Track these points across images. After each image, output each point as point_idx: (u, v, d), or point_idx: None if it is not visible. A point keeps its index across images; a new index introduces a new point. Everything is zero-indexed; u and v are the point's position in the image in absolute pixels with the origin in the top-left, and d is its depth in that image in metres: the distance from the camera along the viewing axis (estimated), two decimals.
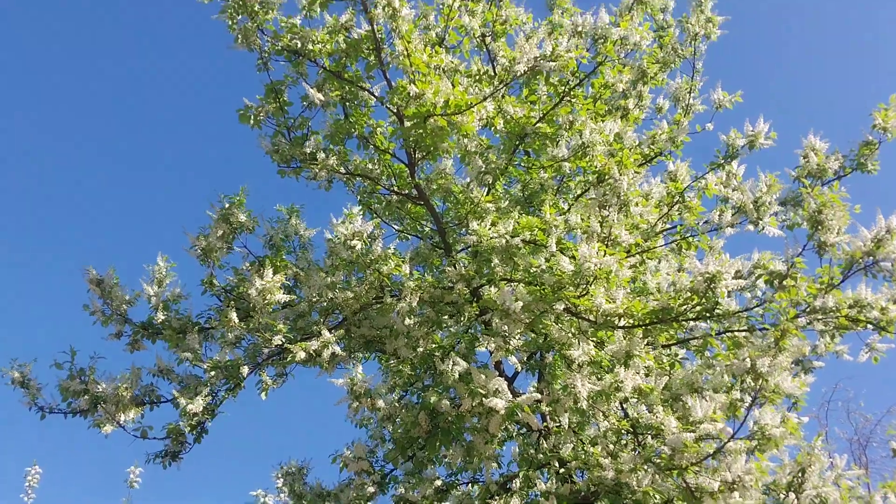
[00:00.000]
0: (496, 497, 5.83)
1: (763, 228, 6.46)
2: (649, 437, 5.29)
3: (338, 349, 5.66)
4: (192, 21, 19.99)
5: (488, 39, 7.25)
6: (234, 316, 5.75)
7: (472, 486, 6.59)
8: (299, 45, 6.21)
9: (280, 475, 6.76)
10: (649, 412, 5.23)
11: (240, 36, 6.10)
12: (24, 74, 19.20)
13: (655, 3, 7.34)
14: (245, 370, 5.79)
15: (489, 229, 6.10)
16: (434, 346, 6.36)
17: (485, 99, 5.92)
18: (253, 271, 6.53)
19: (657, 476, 5.05)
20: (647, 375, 5.44)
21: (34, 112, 19.20)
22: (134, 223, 19.66)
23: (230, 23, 6.04)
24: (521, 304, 5.49)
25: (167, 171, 19.94)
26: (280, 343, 5.78)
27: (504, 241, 6.09)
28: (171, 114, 19.97)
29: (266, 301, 5.56)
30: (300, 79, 6.45)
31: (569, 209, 7.02)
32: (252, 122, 6.41)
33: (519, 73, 5.74)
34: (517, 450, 6.29)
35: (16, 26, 18.93)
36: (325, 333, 5.68)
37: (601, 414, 5.93)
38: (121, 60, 19.45)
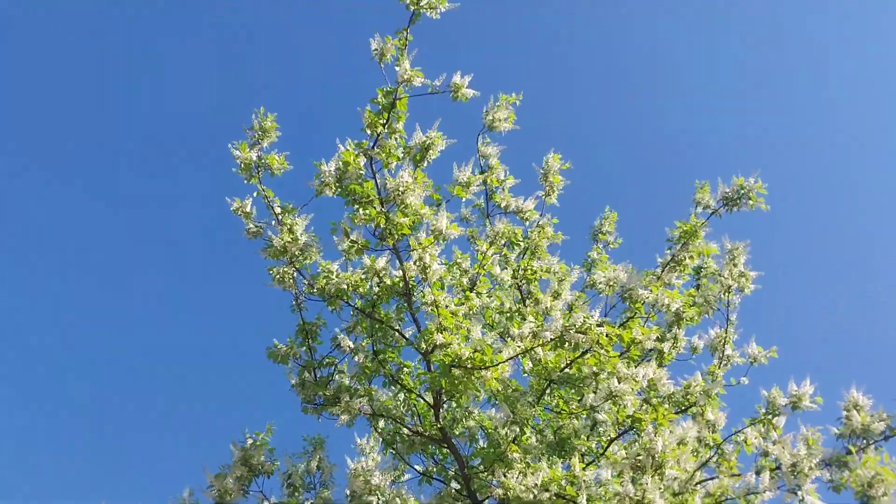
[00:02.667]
0: None
1: (803, 499, 6.02)
2: None
3: None
4: (205, 247, 20.68)
5: (522, 283, 7.38)
6: None
7: None
8: (334, 289, 6.37)
9: None
10: None
11: (278, 277, 6.30)
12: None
13: (689, 264, 7.44)
14: None
15: (516, 481, 5.81)
16: None
17: (510, 359, 5.88)
18: None
19: None
20: None
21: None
22: (158, 459, 19.13)
23: (270, 263, 6.27)
24: None
25: (191, 403, 19.85)
26: None
27: (532, 495, 5.78)
28: (198, 339, 20.25)
29: None
30: (334, 314, 6.56)
31: (598, 458, 6.74)
32: (280, 360, 6.46)
33: (546, 340, 5.73)
34: None
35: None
36: None
37: None
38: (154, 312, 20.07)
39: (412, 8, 6.07)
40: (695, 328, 7.88)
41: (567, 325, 5.63)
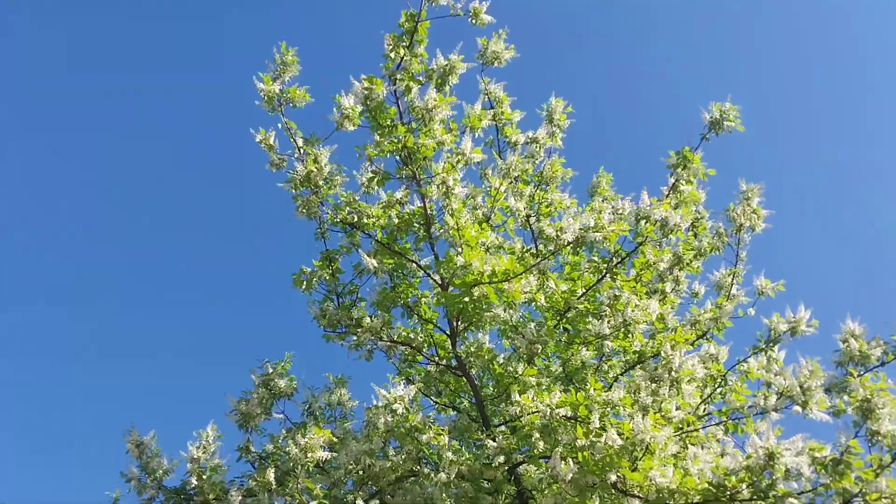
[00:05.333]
0: None
1: (810, 412, 6.32)
2: None
3: None
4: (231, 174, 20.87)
5: (532, 219, 7.59)
6: (271, 476, 5.57)
7: None
8: (356, 219, 6.57)
9: None
10: None
11: (302, 207, 6.49)
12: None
13: (688, 198, 7.71)
14: None
15: (532, 401, 6.01)
16: None
17: (531, 268, 6.12)
18: (289, 438, 6.43)
19: None
20: None
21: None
22: (176, 387, 19.32)
23: (294, 193, 6.47)
24: (570, 474, 5.27)
25: (213, 332, 19.98)
26: None
27: (548, 410, 5.97)
28: (219, 275, 20.36)
29: (307, 458, 5.42)
30: (353, 248, 6.76)
31: (610, 387, 6.96)
32: (304, 286, 6.65)
33: (566, 243, 5.98)
34: None
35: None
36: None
37: None
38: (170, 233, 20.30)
39: None
40: (694, 276, 8.22)
41: (582, 228, 5.88)
